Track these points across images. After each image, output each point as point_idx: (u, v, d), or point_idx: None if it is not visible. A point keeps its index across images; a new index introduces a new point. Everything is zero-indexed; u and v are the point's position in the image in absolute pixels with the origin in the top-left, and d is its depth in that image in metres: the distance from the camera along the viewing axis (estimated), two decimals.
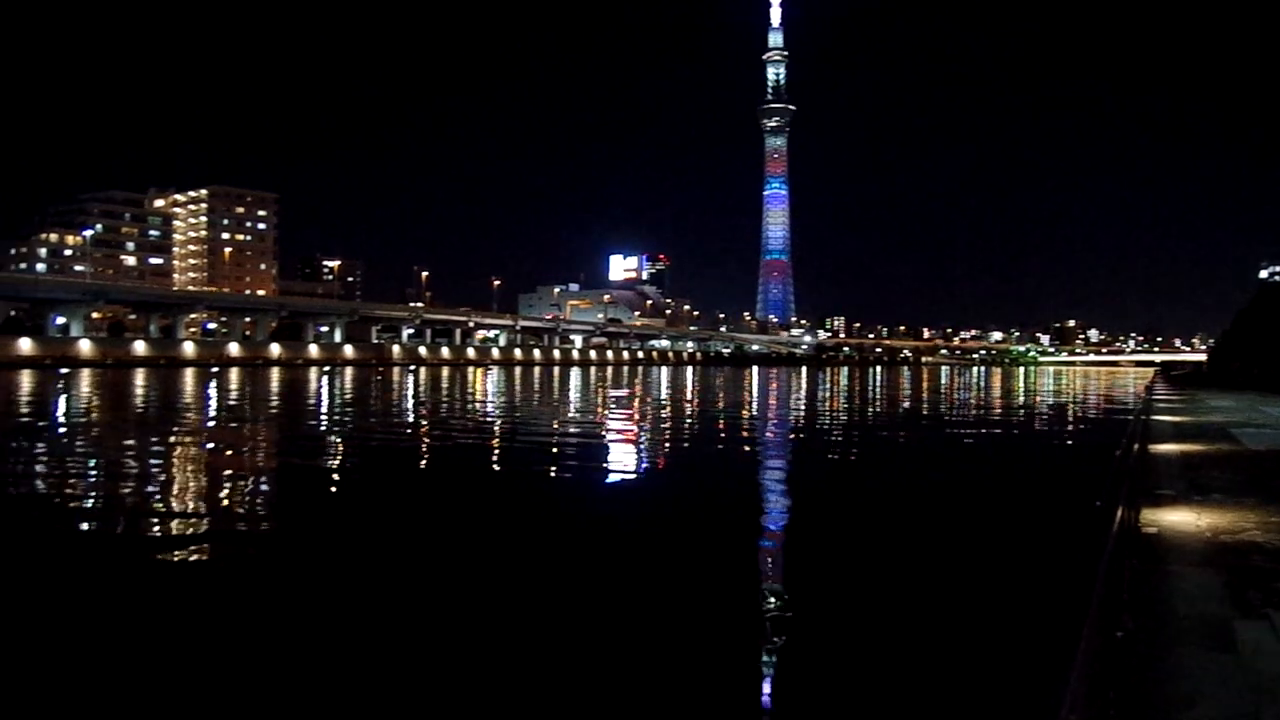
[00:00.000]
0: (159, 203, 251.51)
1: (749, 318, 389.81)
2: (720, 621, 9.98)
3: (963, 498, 19.35)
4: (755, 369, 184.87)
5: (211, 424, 35.86)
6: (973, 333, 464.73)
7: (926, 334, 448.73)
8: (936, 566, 12.78)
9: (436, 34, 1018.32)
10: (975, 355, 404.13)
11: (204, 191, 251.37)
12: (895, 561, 13.16)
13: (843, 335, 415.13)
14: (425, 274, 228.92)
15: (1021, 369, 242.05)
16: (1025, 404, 59.52)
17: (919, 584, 11.82)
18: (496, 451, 27.52)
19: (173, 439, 29.54)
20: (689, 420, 40.57)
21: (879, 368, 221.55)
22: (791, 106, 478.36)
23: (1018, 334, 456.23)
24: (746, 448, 29.22)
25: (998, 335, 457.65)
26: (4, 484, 19.63)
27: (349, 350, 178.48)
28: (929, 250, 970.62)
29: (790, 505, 18.18)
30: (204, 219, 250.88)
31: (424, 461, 25.40)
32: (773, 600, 10.94)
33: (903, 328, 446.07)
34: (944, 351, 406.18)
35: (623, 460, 25.26)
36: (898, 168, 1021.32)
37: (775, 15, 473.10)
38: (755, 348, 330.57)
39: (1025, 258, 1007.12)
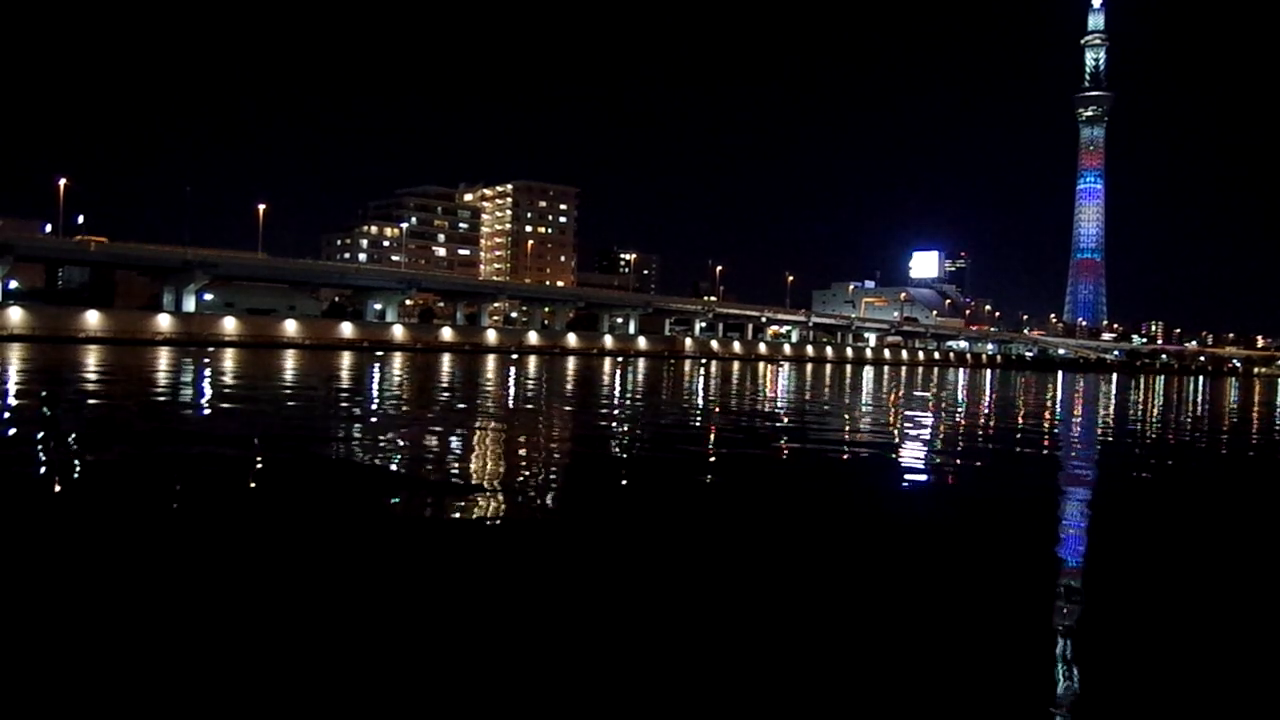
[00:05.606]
0: (468, 197, 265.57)
1: (1054, 320, 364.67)
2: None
3: None
4: (1060, 374, 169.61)
5: (525, 406, 36.36)
6: None
7: (1260, 342, 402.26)
8: None
9: (732, 29, 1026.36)
10: None
11: (509, 186, 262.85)
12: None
13: (1160, 341, 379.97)
14: (719, 268, 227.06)
15: None
16: None
17: None
18: (799, 448, 24.75)
19: (485, 420, 29.50)
20: (1005, 429, 34.62)
21: (1201, 378, 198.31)
22: (1110, 94, 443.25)
23: None
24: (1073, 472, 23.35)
25: None
26: (328, 451, 20.31)
27: (642, 342, 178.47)
28: (1264, 251, 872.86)
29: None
30: (509, 212, 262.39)
31: (718, 455, 22.34)
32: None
33: (1230, 335, 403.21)
34: None
35: (923, 466, 21.64)
36: (1231, 160, 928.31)
37: None
38: (1061, 352, 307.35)
39: None
